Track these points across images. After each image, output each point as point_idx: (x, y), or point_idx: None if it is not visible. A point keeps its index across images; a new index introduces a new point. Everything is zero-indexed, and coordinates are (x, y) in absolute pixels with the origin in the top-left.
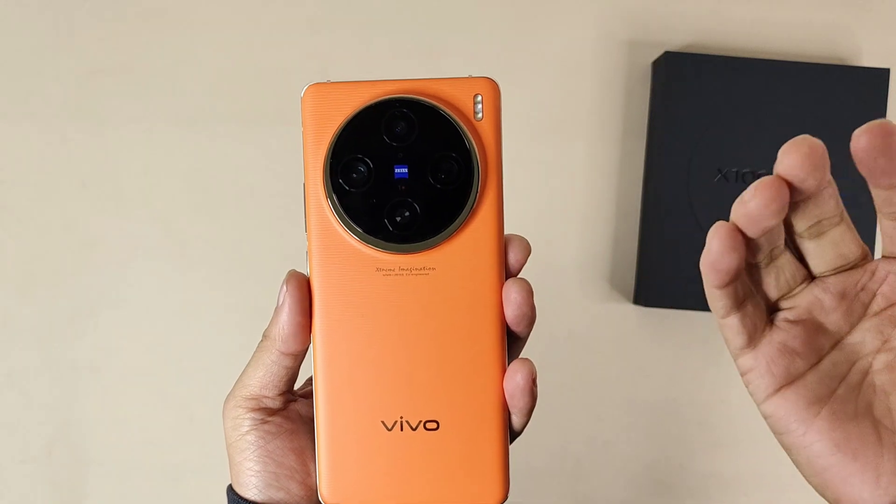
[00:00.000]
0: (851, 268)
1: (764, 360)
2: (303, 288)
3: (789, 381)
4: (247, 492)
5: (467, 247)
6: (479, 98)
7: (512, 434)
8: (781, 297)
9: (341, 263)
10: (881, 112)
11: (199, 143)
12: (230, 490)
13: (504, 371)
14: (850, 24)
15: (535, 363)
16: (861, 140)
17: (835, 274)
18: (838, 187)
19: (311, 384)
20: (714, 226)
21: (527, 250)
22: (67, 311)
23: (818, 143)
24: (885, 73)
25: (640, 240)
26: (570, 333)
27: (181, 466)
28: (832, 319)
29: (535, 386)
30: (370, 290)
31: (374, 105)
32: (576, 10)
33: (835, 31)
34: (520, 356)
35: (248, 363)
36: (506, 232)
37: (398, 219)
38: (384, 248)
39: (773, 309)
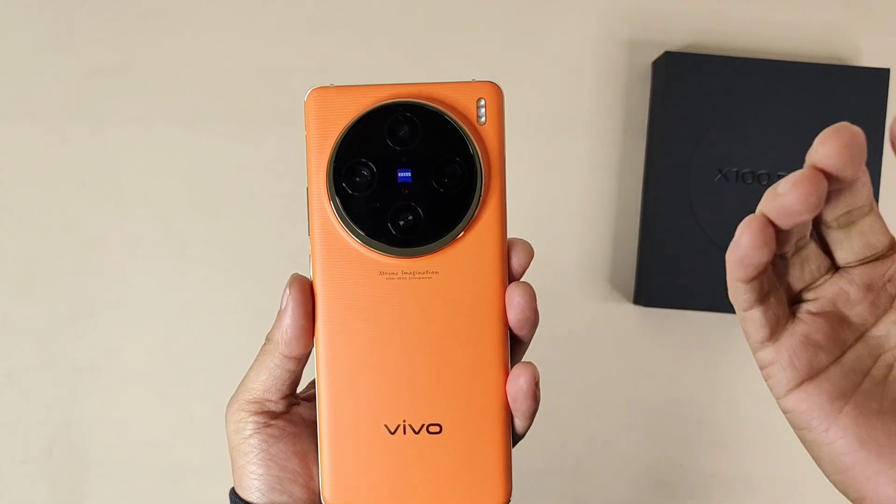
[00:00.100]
0: (878, 258)
1: (786, 353)
2: (306, 291)
3: (812, 375)
4: (250, 495)
5: (470, 251)
6: (483, 102)
7: (515, 437)
8: (805, 288)
9: (344, 267)
10: (881, 112)
11: (199, 143)
12: (233, 493)
13: (507, 374)
14: (850, 24)
15: (535, 364)
16: None
17: (861, 265)
18: None
19: (314, 387)
20: (746, 220)
21: (530, 254)
22: (67, 311)
23: (858, 131)
24: (885, 73)
25: (640, 240)
26: (570, 333)
27: (181, 466)
28: (857, 311)
29: (538, 389)
30: (373, 293)
31: (378, 109)
32: (576, 10)
33: (835, 31)
34: (522, 359)
35: (251, 366)
36: (509, 235)
37: (401, 222)
38: (387, 252)
39: (794, 300)
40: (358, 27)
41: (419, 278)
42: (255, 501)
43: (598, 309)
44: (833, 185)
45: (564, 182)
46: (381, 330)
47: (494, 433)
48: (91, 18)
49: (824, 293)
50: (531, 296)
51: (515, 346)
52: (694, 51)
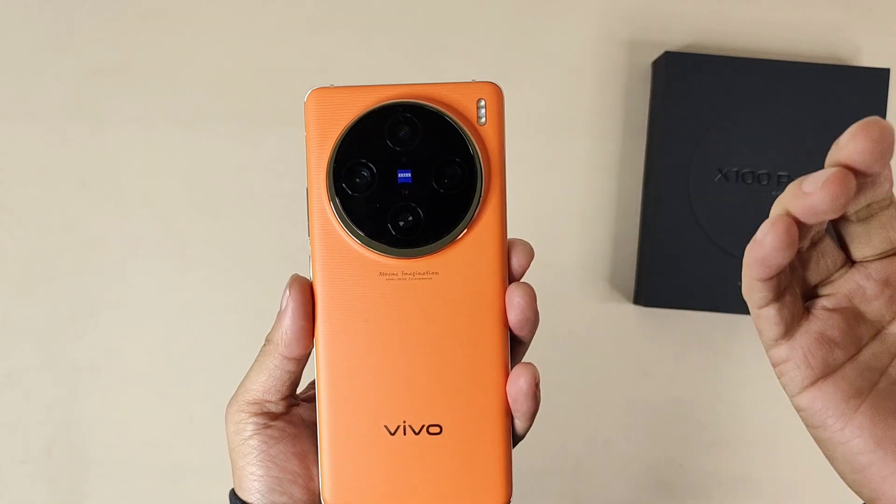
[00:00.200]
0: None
1: (801, 350)
2: (306, 292)
3: (827, 372)
4: (249, 496)
5: (470, 251)
6: (483, 103)
7: (515, 438)
8: (819, 284)
9: (344, 267)
10: (881, 112)
11: (199, 143)
12: (233, 494)
13: (507, 375)
14: (850, 24)
15: (535, 364)
16: None
17: (879, 259)
18: None
19: (314, 388)
20: (770, 220)
21: (530, 255)
22: (67, 311)
23: (888, 126)
24: (885, 73)
25: (640, 240)
26: (570, 333)
27: (181, 466)
28: (873, 308)
29: (539, 390)
30: (373, 294)
31: (378, 109)
32: (576, 10)
33: (835, 31)
34: (523, 360)
35: (251, 367)
36: (509, 235)
37: (401, 223)
38: (387, 253)
39: (809, 296)
40: (358, 27)
41: (419, 279)
42: (254, 502)
43: (598, 309)
44: (859, 179)
45: (564, 182)
46: (381, 331)
47: (494, 434)
48: (91, 18)
49: (840, 289)
50: (531, 296)
51: (516, 346)
52: (694, 51)
